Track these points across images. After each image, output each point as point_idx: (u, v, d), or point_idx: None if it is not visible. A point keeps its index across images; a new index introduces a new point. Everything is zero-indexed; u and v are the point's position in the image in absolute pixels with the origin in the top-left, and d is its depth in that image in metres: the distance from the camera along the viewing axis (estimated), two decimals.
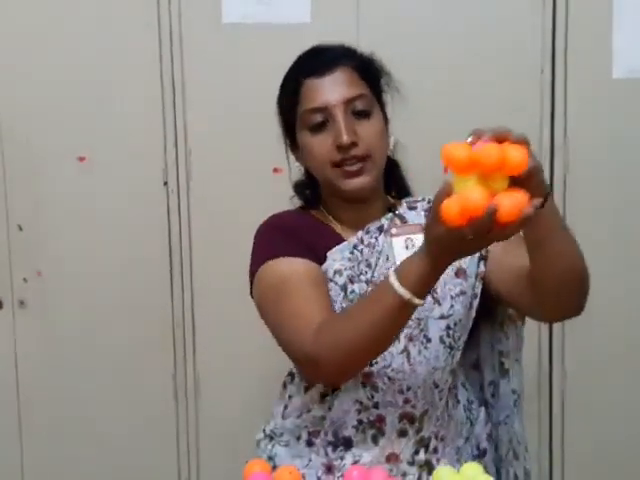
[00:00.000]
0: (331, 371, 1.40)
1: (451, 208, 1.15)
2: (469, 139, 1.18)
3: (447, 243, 1.22)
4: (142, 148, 2.39)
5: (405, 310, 1.31)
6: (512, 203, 1.14)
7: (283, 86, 1.60)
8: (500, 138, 1.16)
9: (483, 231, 1.15)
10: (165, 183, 2.40)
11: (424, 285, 1.29)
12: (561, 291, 1.39)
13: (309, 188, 1.64)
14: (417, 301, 1.28)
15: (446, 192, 1.15)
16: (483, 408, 1.66)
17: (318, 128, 1.51)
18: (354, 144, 1.48)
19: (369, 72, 1.57)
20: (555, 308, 1.44)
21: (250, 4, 2.33)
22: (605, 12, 2.36)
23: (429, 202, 1.61)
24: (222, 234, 2.40)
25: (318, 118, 1.50)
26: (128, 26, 2.35)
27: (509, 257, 1.47)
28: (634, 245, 2.45)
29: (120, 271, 2.43)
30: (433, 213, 1.21)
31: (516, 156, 1.14)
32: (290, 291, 1.45)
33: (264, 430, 1.65)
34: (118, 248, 2.42)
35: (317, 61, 1.54)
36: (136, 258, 2.42)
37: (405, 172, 1.66)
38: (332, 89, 1.50)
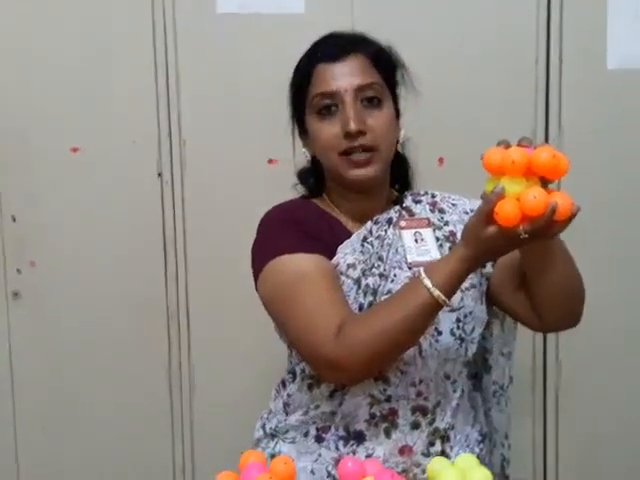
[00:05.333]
0: (353, 372, 1.41)
1: (508, 209, 1.23)
2: (500, 146, 1.26)
3: (496, 243, 1.28)
4: (136, 139, 2.38)
5: (435, 310, 1.35)
6: (565, 201, 1.24)
7: (296, 70, 1.59)
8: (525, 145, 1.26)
9: (542, 228, 1.23)
10: (159, 174, 2.40)
11: (455, 286, 1.34)
12: (562, 307, 1.49)
13: (313, 176, 1.63)
14: (448, 302, 1.34)
15: (500, 195, 1.22)
16: (479, 394, 1.67)
17: (327, 114, 1.50)
18: (362, 133, 1.48)
19: (384, 62, 1.56)
20: (554, 322, 1.53)
21: None
22: (600, 2, 2.36)
23: (432, 196, 1.63)
24: (216, 225, 2.39)
25: (328, 103, 1.50)
26: (122, 16, 2.34)
27: (507, 259, 1.49)
28: (631, 239, 2.45)
29: (114, 263, 2.42)
30: (482, 215, 1.27)
31: (565, 159, 1.25)
32: (305, 291, 1.43)
33: (264, 428, 1.64)
34: (112, 239, 2.41)
35: (332, 46, 1.53)
36: (130, 250, 2.41)
37: (412, 168, 1.66)
38: (344, 75, 1.50)
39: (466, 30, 2.36)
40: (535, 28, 2.36)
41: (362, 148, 1.48)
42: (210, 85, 2.37)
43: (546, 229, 1.24)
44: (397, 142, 1.57)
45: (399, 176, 1.64)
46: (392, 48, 1.59)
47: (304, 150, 1.60)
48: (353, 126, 1.46)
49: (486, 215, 1.26)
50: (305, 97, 1.54)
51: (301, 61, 1.58)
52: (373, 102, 1.50)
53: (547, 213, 1.22)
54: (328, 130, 1.50)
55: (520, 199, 1.23)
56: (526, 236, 1.24)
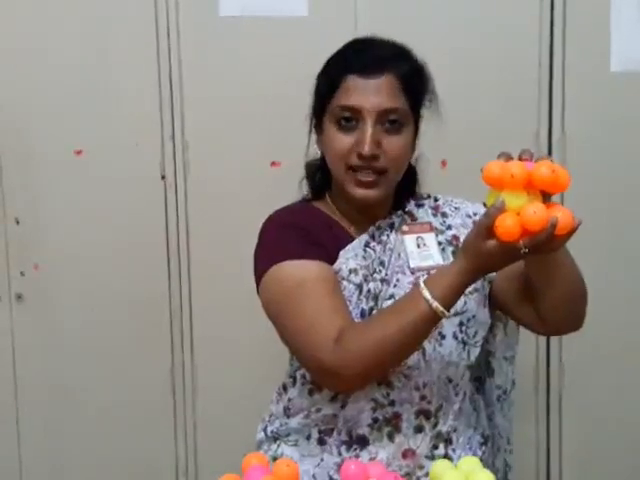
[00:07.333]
0: (351, 381, 1.41)
1: (508, 223, 1.22)
2: (501, 159, 1.25)
3: (496, 257, 1.27)
4: (139, 142, 2.38)
5: (433, 321, 1.35)
6: (566, 216, 1.22)
7: (326, 71, 1.55)
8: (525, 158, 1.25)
9: (542, 243, 1.22)
10: (162, 177, 2.40)
11: (454, 298, 1.34)
12: (566, 312, 1.48)
13: (320, 173, 1.62)
14: (447, 313, 1.33)
15: (501, 209, 1.22)
16: (481, 397, 1.67)
17: (346, 126, 1.49)
18: (375, 157, 1.46)
19: (413, 86, 1.53)
20: (559, 326, 1.53)
21: None
22: (603, 5, 2.35)
23: (435, 200, 1.63)
24: (220, 228, 2.39)
25: (348, 117, 1.48)
26: (125, 19, 2.33)
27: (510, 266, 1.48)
28: (633, 241, 2.44)
29: (117, 265, 2.42)
30: (481, 229, 1.26)
31: (565, 173, 1.23)
32: (304, 298, 1.43)
33: (265, 431, 1.64)
34: (115, 242, 2.41)
35: (367, 59, 1.50)
36: (133, 252, 2.41)
37: (420, 179, 1.66)
38: (372, 94, 1.47)
39: (469, 33, 2.36)
40: (538, 30, 2.35)
41: (371, 170, 1.47)
42: (213, 88, 2.37)
43: (546, 244, 1.23)
44: (409, 164, 1.57)
45: (405, 185, 1.63)
46: (425, 68, 1.57)
47: (315, 145, 1.59)
48: (367, 150, 1.45)
49: (486, 229, 1.25)
50: (329, 102, 1.51)
51: (333, 62, 1.55)
52: (394, 125, 1.49)
53: (548, 228, 1.21)
54: (342, 142, 1.49)
55: (520, 214, 1.22)
56: (526, 250, 1.24)
